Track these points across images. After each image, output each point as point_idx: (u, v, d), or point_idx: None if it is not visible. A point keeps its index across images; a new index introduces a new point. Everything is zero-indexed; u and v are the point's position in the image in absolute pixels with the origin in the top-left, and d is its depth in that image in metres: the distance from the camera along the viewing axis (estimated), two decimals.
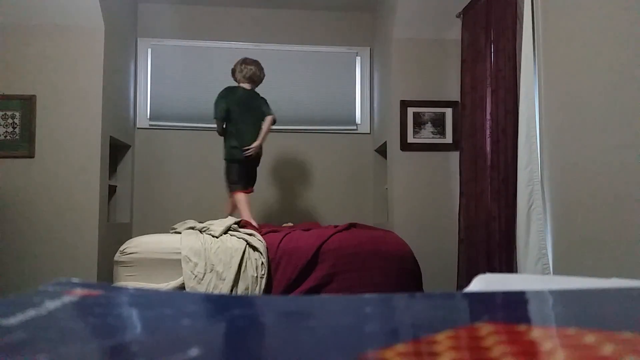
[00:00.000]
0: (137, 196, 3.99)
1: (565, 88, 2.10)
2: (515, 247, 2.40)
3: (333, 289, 2.30)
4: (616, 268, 1.74)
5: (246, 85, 3.18)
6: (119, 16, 3.62)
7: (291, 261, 2.32)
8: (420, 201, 3.46)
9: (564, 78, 2.11)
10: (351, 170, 4.21)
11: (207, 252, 2.31)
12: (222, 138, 3.18)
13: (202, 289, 2.21)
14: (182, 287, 2.24)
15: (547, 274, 2.17)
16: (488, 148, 2.84)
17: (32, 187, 3.12)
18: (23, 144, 3.14)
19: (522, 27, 2.42)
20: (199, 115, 4.09)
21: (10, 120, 3.15)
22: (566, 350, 0.23)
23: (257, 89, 3.24)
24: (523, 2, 2.41)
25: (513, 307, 0.33)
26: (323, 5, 4.19)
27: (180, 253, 2.30)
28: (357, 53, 4.30)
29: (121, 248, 2.35)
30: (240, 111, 3.09)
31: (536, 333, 0.26)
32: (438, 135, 3.54)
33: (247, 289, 2.25)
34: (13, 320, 0.26)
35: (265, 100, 3.20)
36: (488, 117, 2.85)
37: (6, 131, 3.15)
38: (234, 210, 3.07)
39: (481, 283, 0.43)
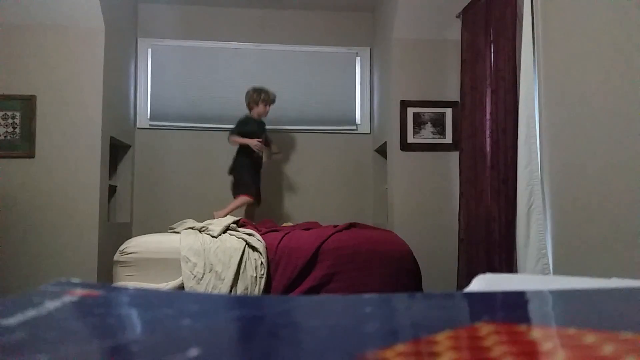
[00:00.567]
0: (137, 196, 3.99)
1: (565, 88, 2.10)
2: (515, 247, 2.40)
3: (333, 289, 2.30)
4: (616, 268, 1.74)
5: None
6: (119, 16, 3.62)
7: (291, 261, 2.32)
8: (420, 201, 3.46)
9: (564, 78, 2.11)
10: (351, 170, 4.21)
11: (206, 252, 2.30)
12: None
13: (201, 288, 2.21)
14: (181, 287, 2.24)
15: (547, 274, 2.18)
16: (488, 148, 2.84)
17: (32, 187, 3.12)
18: (23, 144, 3.14)
19: (521, 27, 2.42)
20: (199, 116, 4.09)
21: (10, 120, 3.15)
22: (566, 350, 0.23)
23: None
24: (523, 3, 2.41)
25: (513, 307, 0.33)
26: (323, 5, 4.20)
27: (179, 253, 2.30)
28: (357, 53, 4.30)
29: (121, 248, 2.35)
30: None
31: (536, 333, 0.26)
32: (438, 136, 3.54)
33: (246, 289, 2.25)
34: (13, 320, 0.26)
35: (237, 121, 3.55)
36: (488, 117, 2.85)
37: (6, 131, 3.15)
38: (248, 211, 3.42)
39: (481, 283, 0.43)
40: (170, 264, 2.30)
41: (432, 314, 0.31)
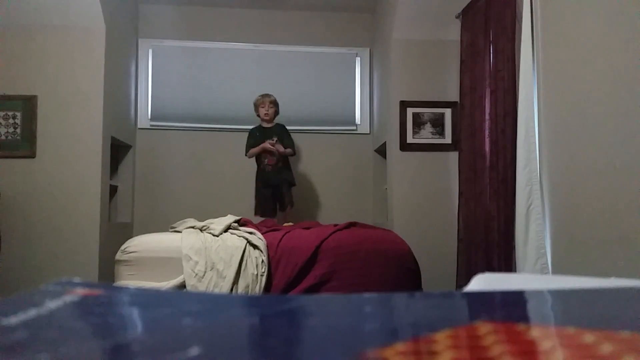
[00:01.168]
0: (138, 196, 3.99)
1: (564, 88, 2.10)
2: (514, 247, 2.40)
3: (332, 287, 2.30)
4: (615, 268, 1.75)
5: None
6: (119, 17, 3.62)
7: (291, 259, 2.32)
8: (420, 201, 3.46)
9: (563, 78, 2.11)
10: (351, 170, 4.21)
11: (207, 251, 2.31)
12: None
13: (202, 287, 2.21)
14: (182, 285, 2.24)
15: (546, 273, 2.18)
16: (487, 148, 2.84)
17: (33, 187, 3.12)
18: (24, 144, 3.15)
19: (521, 28, 2.42)
20: (199, 116, 4.10)
21: (11, 121, 3.15)
22: (565, 350, 0.23)
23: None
24: (522, 3, 2.41)
25: (512, 306, 0.33)
26: (323, 6, 4.19)
27: (181, 252, 2.31)
28: (356, 54, 4.30)
29: (122, 247, 2.35)
30: None
31: (535, 332, 0.26)
32: (437, 136, 3.54)
33: (247, 287, 2.25)
34: (14, 319, 0.26)
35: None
36: (487, 117, 2.85)
37: (7, 131, 3.15)
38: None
39: (480, 282, 0.43)
40: (171, 262, 2.30)
41: (431, 313, 0.31)
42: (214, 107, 4.12)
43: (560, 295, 0.35)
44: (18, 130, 3.15)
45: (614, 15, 1.81)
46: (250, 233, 2.44)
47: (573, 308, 0.32)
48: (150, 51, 4.10)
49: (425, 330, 0.26)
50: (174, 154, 4.07)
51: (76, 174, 3.17)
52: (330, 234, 2.45)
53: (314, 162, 4.17)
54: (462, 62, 3.20)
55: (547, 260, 2.21)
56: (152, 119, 4.08)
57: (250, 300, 0.34)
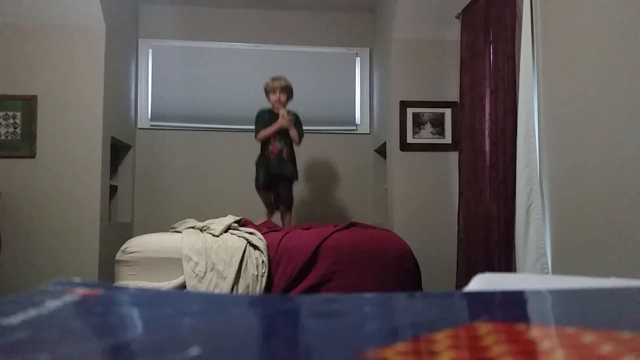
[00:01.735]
0: (138, 196, 3.99)
1: (564, 88, 2.10)
2: (514, 247, 2.40)
3: (332, 287, 2.30)
4: (615, 268, 1.75)
5: None
6: (119, 17, 3.62)
7: (291, 260, 2.32)
8: (420, 201, 3.46)
9: (563, 78, 2.11)
10: (351, 170, 4.21)
11: (208, 251, 2.31)
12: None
13: (203, 287, 2.21)
14: (183, 286, 2.24)
15: (546, 273, 2.18)
16: (487, 148, 2.84)
17: (33, 187, 3.12)
18: (24, 144, 3.15)
19: (521, 28, 2.42)
20: (199, 116, 4.09)
21: (11, 121, 3.15)
22: (565, 350, 0.23)
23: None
24: (522, 3, 2.41)
25: (512, 306, 0.33)
26: (323, 6, 4.19)
27: (181, 252, 2.31)
28: (356, 54, 4.30)
29: (122, 247, 2.36)
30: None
31: (535, 332, 0.26)
32: (437, 136, 3.54)
33: (247, 287, 2.25)
34: (14, 319, 0.26)
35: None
36: (487, 117, 2.85)
37: (7, 131, 3.15)
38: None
39: (480, 282, 0.43)
40: (171, 263, 2.30)
41: (431, 313, 0.31)
42: (214, 107, 4.12)
43: (560, 295, 0.35)
44: (18, 131, 3.15)
45: (613, 15, 1.81)
46: (251, 233, 2.44)
47: (573, 308, 0.32)
48: (150, 51, 4.10)
49: (425, 330, 0.26)
50: (174, 154, 4.06)
51: (76, 174, 3.17)
52: (330, 234, 2.45)
53: (314, 162, 4.17)
54: (462, 62, 3.20)
55: (547, 260, 2.21)
56: (152, 119, 4.08)
57: (250, 300, 0.34)
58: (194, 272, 2.24)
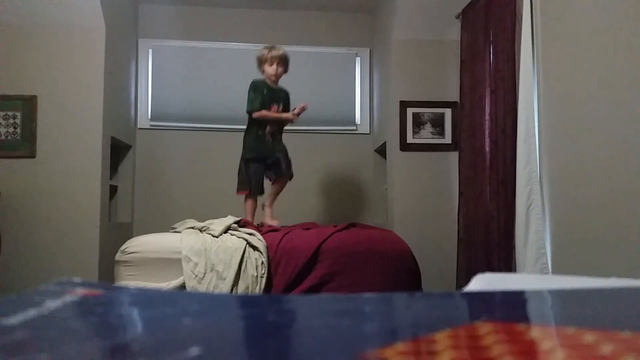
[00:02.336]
0: (138, 196, 3.99)
1: (564, 88, 2.10)
2: (514, 247, 2.40)
3: (332, 288, 2.30)
4: (615, 267, 1.75)
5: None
6: (119, 16, 3.62)
7: (291, 260, 2.32)
8: (420, 201, 3.46)
9: (563, 78, 2.11)
10: (351, 171, 4.21)
11: (207, 252, 2.31)
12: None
13: (202, 288, 2.21)
14: (182, 286, 2.24)
15: (546, 273, 2.18)
16: (487, 148, 2.84)
17: (33, 187, 3.12)
18: (24, 144, 3.15)
19: (521, 28, 2.42)
20: (199, 116, 4.10)
21: (11, 121, 3.15)
22: (565, 350, 0.23)
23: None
24: (522, 3, 2.41)
25: (512, 306, 0.33)
26: (323, 6, 4.20)
27: (180, 253, 2.30)
28: (356, 54, 4.31)
29: (122, 247, 2.35)
30: None
31: (535, 332, 0.26)
32: (437, 136, 3.54)
33: (247, 288, 2.25)
34: (14, 319, 0.26)
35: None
36: (487, 117, 2.85)
37: (7, 131, 3.15)
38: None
39: (480, 282, 0.43)
40: (171, 263, 2.30)
41: (431, 313, 0.31)
42: (214, 107, 4.12)
43: (560, 295, 0.35)
44: (18, 130, 3.15)
45: (613, 15, 1.81)
46: (250, 234, 2.44)
47: (573, 308, 0.32)
48: (150, 51, 4.10)
49: (425, 330, 0.26)
50: (174, 154, 4.07)
51: (76, 174, 3.17)
52: (330, 235, 2.45)
53: (314, 162, 4.17)
54: (462, 62, 3.21)
55: (547, 260, 2.21)
56: (152, 119, 4.08)
57: (250, 300, 0.34)
58: (194, 273, 2.24)
